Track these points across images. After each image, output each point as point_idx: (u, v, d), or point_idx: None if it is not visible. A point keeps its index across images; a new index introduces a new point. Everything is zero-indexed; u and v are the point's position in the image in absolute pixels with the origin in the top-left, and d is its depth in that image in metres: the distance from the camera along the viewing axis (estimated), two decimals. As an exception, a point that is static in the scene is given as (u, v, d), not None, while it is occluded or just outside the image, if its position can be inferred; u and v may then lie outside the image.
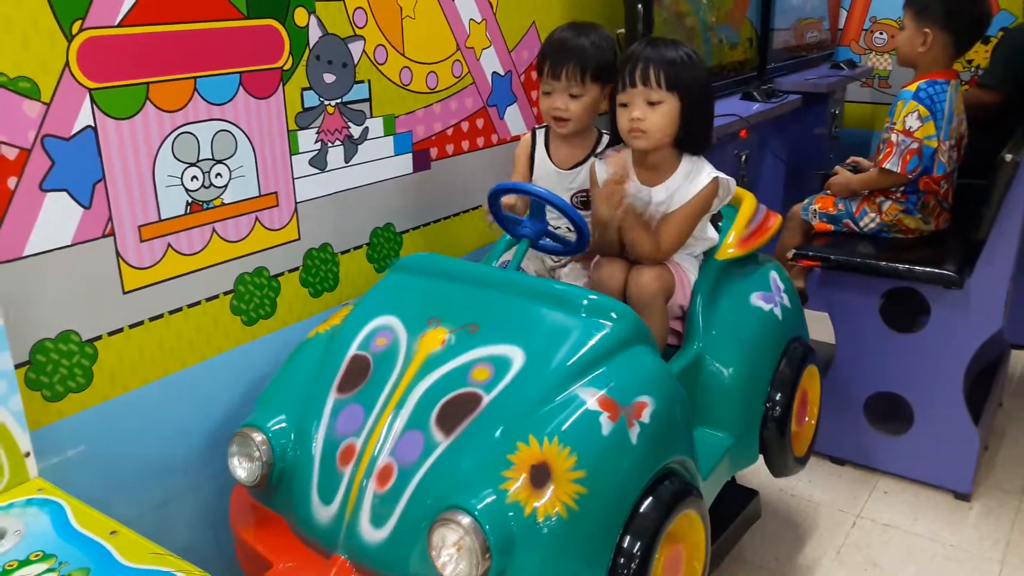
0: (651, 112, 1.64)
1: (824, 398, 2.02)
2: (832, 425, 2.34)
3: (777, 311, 1.83)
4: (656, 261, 1.73)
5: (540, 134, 1.96)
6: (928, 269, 2.19)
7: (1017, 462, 2.49)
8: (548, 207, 1.68)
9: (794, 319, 1.90)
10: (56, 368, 1.42)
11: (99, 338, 1.47)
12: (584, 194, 1.91)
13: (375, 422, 1.38)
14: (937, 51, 2.29)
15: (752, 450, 1.79)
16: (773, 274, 1.92)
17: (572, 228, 1.69)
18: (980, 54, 3.62)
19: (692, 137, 1.70)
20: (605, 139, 1.91)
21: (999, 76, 2.90)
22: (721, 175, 1.73)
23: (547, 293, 1.51)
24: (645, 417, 1.33)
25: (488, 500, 1.20)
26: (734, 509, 2.04)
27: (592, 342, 1.39)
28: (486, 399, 1.33)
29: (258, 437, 1.44)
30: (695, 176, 1.72)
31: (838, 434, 2.42)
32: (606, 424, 1.29)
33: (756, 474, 1.93)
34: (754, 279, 1.87)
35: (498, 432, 1.28)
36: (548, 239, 1.76)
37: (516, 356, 1.37)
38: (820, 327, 2.64)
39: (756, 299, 1.82)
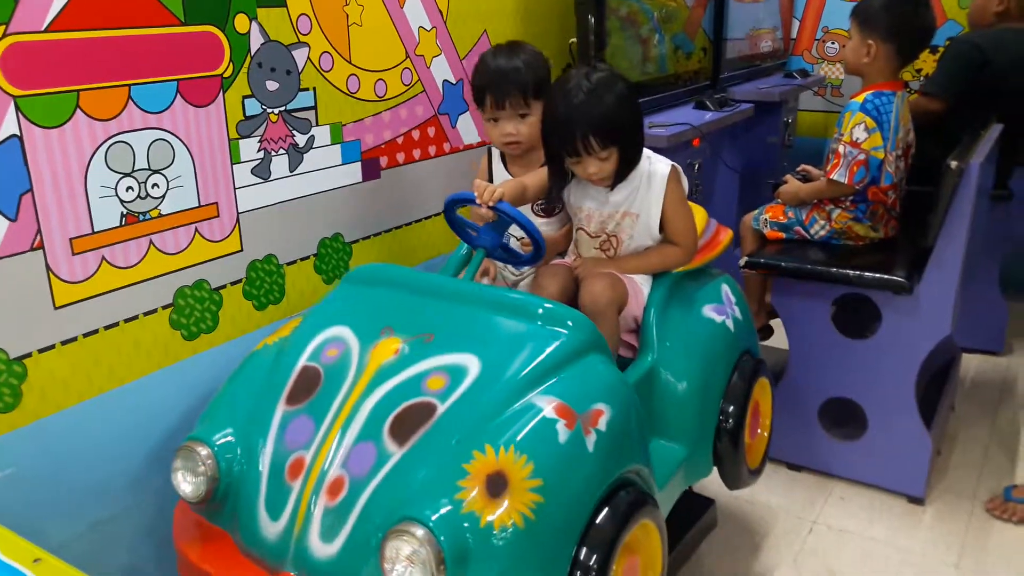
0: (604, 163, 1.65)
1: (779, 405, 2.02)
2: (788, 431, 2.35)
3: (729, 323, 1.83)
4: (689, 260, 1.78)
5: (495, 152, 1.96)
6: (878, 275, 2.20)
7: (969, 466, 2.52)
8: (509, 221, 1.66)
9: (745, 332, 1.90)
10: (-19, 387, 1.36)
11: (28, 355, 1.42)
12: (545, 202, 1.90)
13: (325, 434, 1.34)
14: (882, 62, 2.32)
15: (706, 463, 1.78)
16: (725, 287, 1.92)
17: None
18: (928, 63, 3.69)
19: (635, 145, 1.71)
20: None
21: (943, 84, 2.95)
22: (666, 160, 1.75)
23: (503, 302, 1.49)
24: (601, 425, 1.31)
25: (443, 511, 1.17)
26: (691, 518, 2.03)
27: (548, 350, 1.38)
28: (441, 408, 1.30)
29: (203, 451, 1.40)
30: (652, 176, 1.72)
31: (794, 440, 2.43)
32: (563, 432, 1.26)
33: (713, 482, 1.92)
34: (706, 292, 1.87)
35: (453, 441, 1.26)
36: (504, 251, 1.73)
37: (472, 365, 1.35)
38: (776, 334, 2.65)
39: (709, 311, 1.82)
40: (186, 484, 1.41)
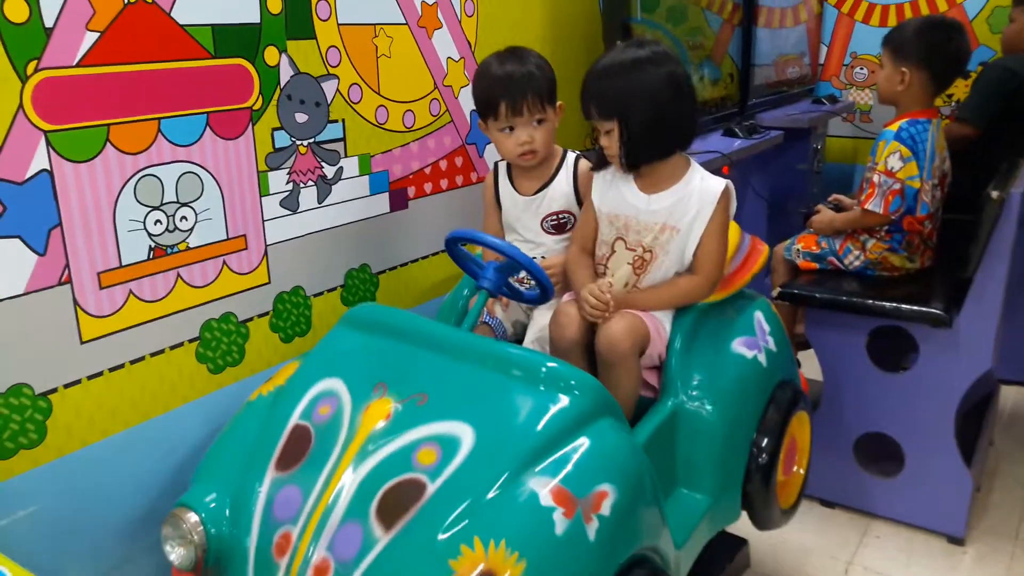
0: (609, 137, 1.63)
1: (813, 439, 1.95)
2: (822, 467, 2.29)
3: (762, 357, 1.73)
4: (710, 294, 1.70)
5: (502, 167, 1.90)
6: (916, 308, 2.14)
7: (1011, 504, 2.44)
8: (517, 266, 1.61)
9: (782, 362, 1.80)
10: (6, 424, 1.34)
11: (54, 391, 1.40)
12: (555, 217, 1.84)
13: (312, 508, 1.28)
14: (916, 89, 2.27)
15: (734, 508, 1.69)
16: (758, 314, 1.81)
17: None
18: (960, 89, 3.64)
19: (659, 140, 1.62)
20: (570, 156, 1.85)
21: (976, 111, 2.90)
22: (720, 178, 1.67)
23: (503, 359, 1.39)
24: (605, 509, 1.22)
25: None
26: (722, 559, 1.96)
27: (549, 420, 1.28)
28: (431, 488, 1.22)
29: (192, 519, 1.35)
30: (703, 191, 1.64)
31: (828, 476, 2.36)
32: (560, 522, 1.17)
33: (745, 520, 1.86)
34: (736, 323, 1.77)
35: (441, 530, 1.18)
36: (507, 288, 1.68)
37: (465, 436, 1.27)
38: (807, 365, 2.59)
39: (738, 346, 1.72)
40: (175, 555, 1.36)
